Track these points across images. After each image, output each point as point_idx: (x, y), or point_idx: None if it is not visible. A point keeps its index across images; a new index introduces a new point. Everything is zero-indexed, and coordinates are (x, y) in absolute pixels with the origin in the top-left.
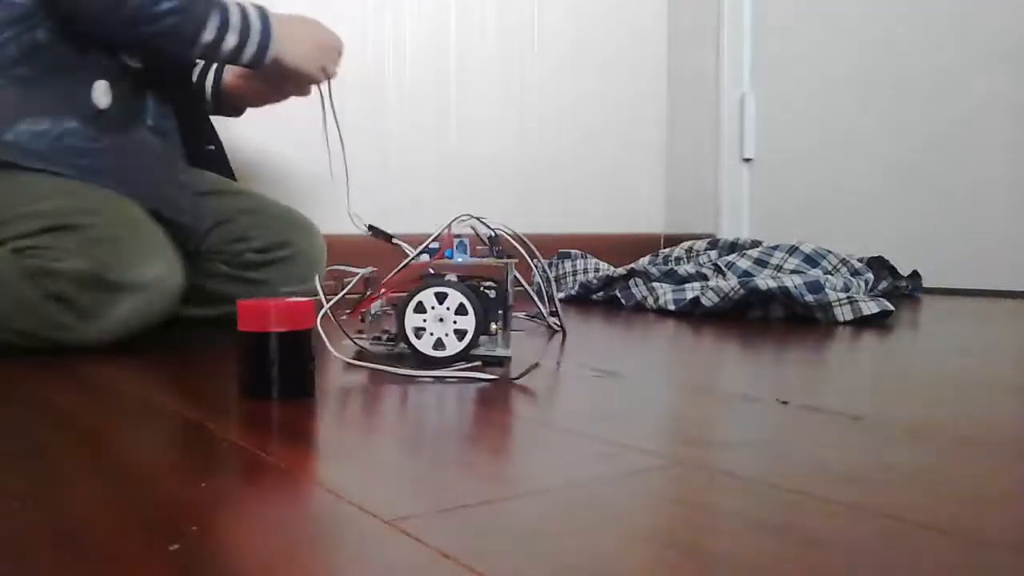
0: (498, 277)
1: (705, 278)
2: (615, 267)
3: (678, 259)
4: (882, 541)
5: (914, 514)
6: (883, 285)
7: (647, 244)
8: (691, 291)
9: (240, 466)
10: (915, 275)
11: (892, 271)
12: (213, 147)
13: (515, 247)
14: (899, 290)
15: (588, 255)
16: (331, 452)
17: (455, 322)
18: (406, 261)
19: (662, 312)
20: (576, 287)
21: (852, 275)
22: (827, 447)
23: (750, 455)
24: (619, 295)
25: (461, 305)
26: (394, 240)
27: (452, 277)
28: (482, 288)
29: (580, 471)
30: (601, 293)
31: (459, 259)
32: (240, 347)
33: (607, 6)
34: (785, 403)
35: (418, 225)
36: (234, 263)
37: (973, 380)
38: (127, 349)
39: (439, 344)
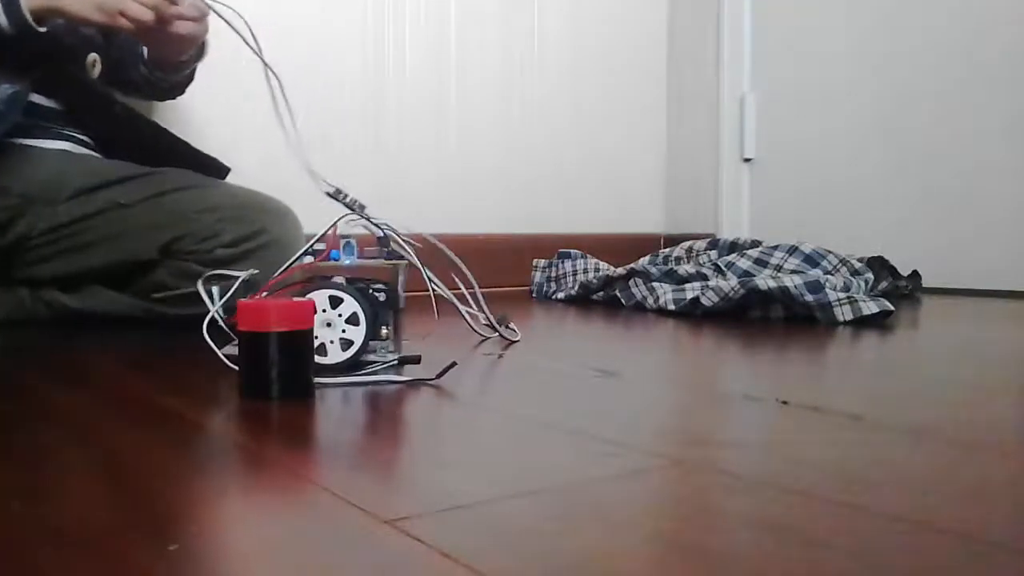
0: (389, 279)
1: (705, 278)
2: (615, 267)
3: (678, 259)
4: (882, 541)
5: (914, 514)
6: (883, 285)
7: (647, 244)
8: (691, 291)
9: (240, 466)
10: (915, 275)
11: (892, 271)
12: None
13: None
14: (899, 290)
15: (588, 255)
16: (331, 452)
17: (344, 331)
18: (288, 264)
19: (662, 312)
20: (576, 287)
21: (852, 275)
22: (827, 447)
23: (750, 455)
24: (619, 295)
25: (354, 314)
26: (365, 212)
27: (340, 279)
28: (372, 291)
29: (580, 471)
30: (601, 293)
31: (346, 261)
32: (240, 347)
33: (607, 7)
34: (785, 403)
35: (419, 227)
36: (206, 261)
37: (973, 380)
38: (126, 349)
39: (320, 349)
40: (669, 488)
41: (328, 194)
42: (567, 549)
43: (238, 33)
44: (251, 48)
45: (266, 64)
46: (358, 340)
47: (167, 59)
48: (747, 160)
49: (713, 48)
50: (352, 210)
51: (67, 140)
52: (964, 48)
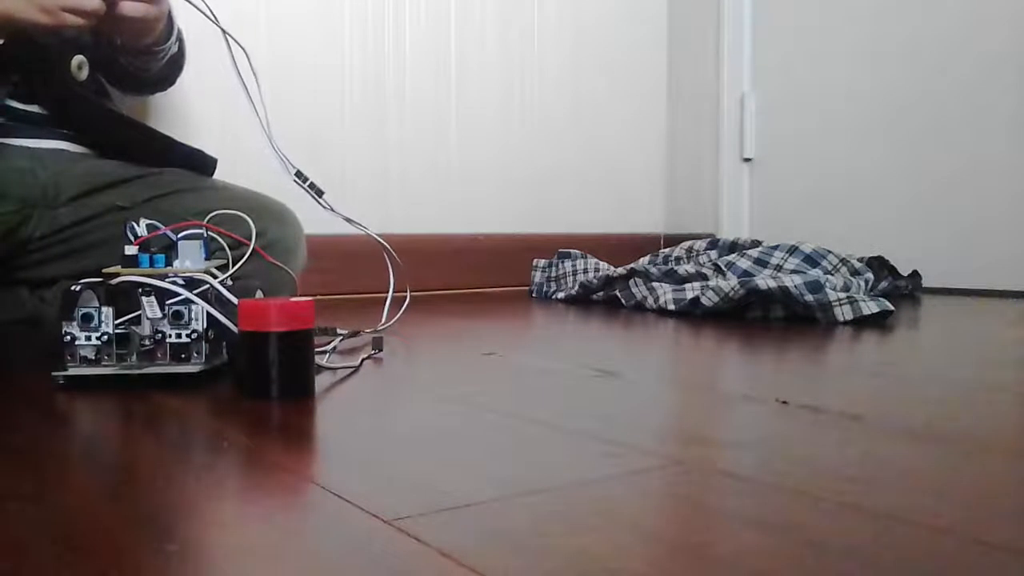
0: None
1: (705, 278)
2: (615, 267)
3: (678, 259)
4: (882, 541)
5: (914, 514)
6: (883, 285)
7: (647, 244)
8: (691, 291)
9: (240, 466)
10: (915, 275)
11: (892, 271)
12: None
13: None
14: (899, 290)
15: (588, 255)
16: (331, 452)
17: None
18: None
19: (662, 312)
20: (576, 287)
21: (852, 275)
22: (827, 447)
23: (750, 455)
24: (619, 295)
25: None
26: (324, 197)
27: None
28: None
29: (580, 471)
30: (601, 293)
31: (186, 263)
32: (240, 347)
33: (607, 7)
34: (785, 403)
35: (420, 228)
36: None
37: (973, 380)
38: None
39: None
40: (669, 488)
41: (296, 172)
42: (567, 549)
43: (193, 4)
44: (207, 17)
45: (226, 32)
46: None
47: (130, 46)
48: (747, 160)
49: (713, 48)
50: (311, 194)
51: (62, 139)
52: (964, 48)
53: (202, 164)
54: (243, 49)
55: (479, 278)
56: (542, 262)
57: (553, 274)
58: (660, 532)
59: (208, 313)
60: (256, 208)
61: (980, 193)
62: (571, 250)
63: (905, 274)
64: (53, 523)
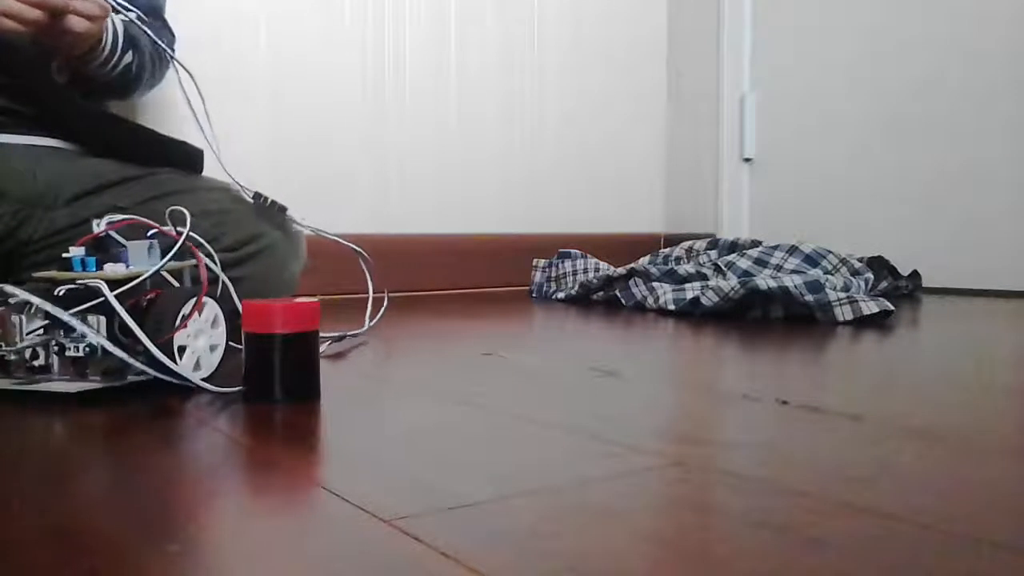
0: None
1: (705, 278)
2: (615, 267)
3: (678, 259)
4: (882, 541)
5: (914, 514)
6: (883, 285)
7: (647, 244)
8: (691, 291)
9: (241, 466)
10: (915, 275)
11: (892, 271)
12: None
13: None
14: (899, 290)
15: (588, 255)
16: (332, 452)
17: (210, 336)
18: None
19: (662, 312)
20: (576, 287)
21: (852, 275)
22: (827, 447)
23: (750, 455)
24: (619, 295)
25: (216, 316)
26: (288, 213)
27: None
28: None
29: (580, 471)
30: (601, 293)
31: (138, 264)
32: (245, 348)
33: (607, 6)
34: (785, 403)
35: (420, 228)
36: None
37: (973, 380)
38: None
39: (198, 364)
40: (669, 488)
41: (255, 194)
42: (567, 549)
43: (145, 31)
44: (160, 45)
45: (173, 58)
46: (222, 341)
47: (60, 53)
48: (747, 160)
49: (713, 48)
50: (274, 213)
51: (57, 137)
52: (964, 48)
53: (190, 157)
54: (190, 74)
55: (479, 278)
56: (542, 262)
57: (553, 274)
58: (660, 532)
59: (120, 325)
60: (254, 209)
61: (980, 193)
62: (571, 250)
63: (905, 274)
64: (53, 523)
